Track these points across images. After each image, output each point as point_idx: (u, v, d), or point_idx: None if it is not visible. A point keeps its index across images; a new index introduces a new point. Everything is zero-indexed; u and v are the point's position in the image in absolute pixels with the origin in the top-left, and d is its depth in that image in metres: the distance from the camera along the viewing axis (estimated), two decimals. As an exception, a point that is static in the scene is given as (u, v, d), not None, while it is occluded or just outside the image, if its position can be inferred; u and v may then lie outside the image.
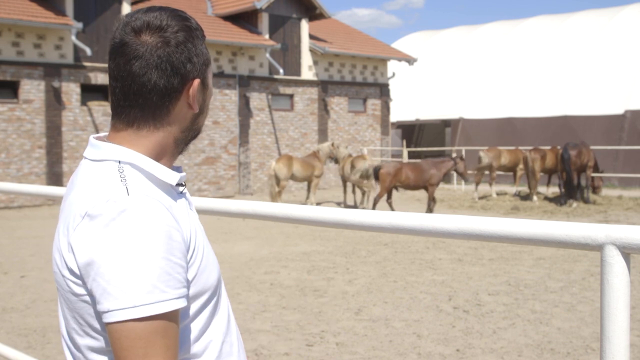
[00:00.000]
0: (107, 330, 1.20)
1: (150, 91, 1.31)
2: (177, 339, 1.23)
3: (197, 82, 1.35)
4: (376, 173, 14.70)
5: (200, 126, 1.43)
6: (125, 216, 1.20)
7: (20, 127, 17.12)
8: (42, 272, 8.51)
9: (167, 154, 1.38)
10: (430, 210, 14.95)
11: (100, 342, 1.27)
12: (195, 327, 1.33)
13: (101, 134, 1.40)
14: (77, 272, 1.23)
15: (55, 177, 17.50)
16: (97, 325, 1.26)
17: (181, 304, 1.22)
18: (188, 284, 1.27)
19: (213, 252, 1.43)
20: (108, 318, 1.18)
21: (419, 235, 1.57)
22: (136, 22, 1.32)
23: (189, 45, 1.34)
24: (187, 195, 1.46)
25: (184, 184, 1.43)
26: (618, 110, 23.61)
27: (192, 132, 1.41)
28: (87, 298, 1.24)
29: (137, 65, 1.30)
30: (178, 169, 1.42)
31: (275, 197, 16.15)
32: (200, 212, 2.18)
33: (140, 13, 1.35)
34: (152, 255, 1.18)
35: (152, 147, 1.35)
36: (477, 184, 18.57)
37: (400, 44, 32.85)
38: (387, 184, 14.59)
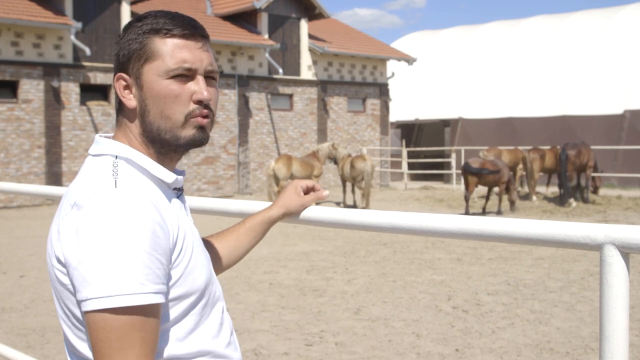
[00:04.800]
0: (85, 319, 1.19)
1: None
2: (156, 334, 1.22)
3: (118, 76, 1.37)
4: (468, 169, 14.88)
5: (157, 127, 1.33)
6: (109, 207, 1.20)
7: (19, 127, 17.11)
8: (41, 271, 8.51)
9: (149, 150, 1.37)
10: (505, 209, 15.32)
11: (85, 333, 1.27)
12: (181, 328, 1.31)
13: (108, 134, 1.42)
14: (63, 260, 1.24)
15: (55, 176, 17.50)
16: (80, 316, 1.25)
17: (159, 299, 1.21)
18: (168, 282, 1.25)
19: (207, 256, 1.41)
20: (85, 306, 1.17)
21: (418, 235, 1.56)
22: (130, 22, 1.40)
23: (126, 37, 1.36)
24: (184, 198, 1.46)
25: (181, 188, 1.43)
26: (617, 110, 23.61)
27: (152, 132, 1.34)
28: (71, 287, 1.23)
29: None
30: (181, 172, 1.43)
31: (274, 197, 16.15)
32: (200, 212, 2.17)
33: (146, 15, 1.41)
34: (133, 248, 1.18)
35: (137, 141, 1.37)
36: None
37: (400, 44, 32.83)
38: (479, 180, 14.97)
